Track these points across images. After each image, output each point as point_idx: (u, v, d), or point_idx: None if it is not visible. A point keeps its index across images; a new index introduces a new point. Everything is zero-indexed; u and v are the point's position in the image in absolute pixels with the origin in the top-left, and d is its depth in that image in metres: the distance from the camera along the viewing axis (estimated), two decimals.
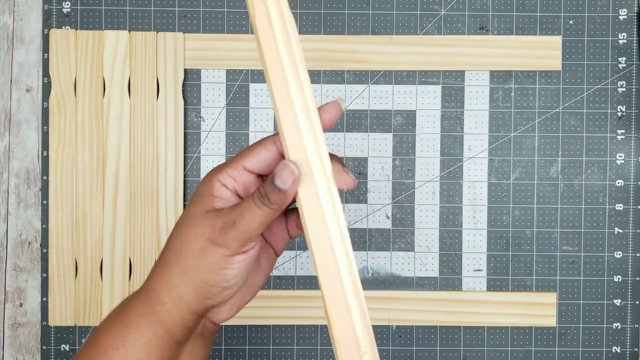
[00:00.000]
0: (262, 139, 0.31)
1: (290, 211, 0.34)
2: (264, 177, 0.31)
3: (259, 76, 0.53)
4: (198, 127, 0.53)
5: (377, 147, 0.53)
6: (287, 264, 0.53)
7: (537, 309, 0.52)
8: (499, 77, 0.53)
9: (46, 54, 0.52)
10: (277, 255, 0.35)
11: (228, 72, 0.53)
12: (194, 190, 0.32)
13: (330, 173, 0.30)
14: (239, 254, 0.29)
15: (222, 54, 0.52)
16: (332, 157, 0.31)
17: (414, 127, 0.53)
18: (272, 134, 0.32)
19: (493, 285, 0.53)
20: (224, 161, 0.32)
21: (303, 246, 0.53)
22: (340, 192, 0.32)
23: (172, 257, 0.30)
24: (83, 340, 0.52)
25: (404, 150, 0.53)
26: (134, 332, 0.30)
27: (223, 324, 0.52)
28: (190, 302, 0.30)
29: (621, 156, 0.53)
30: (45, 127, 0.52)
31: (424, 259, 0.53)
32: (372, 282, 0.53)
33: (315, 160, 0.30)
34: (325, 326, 0.52)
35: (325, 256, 0.30)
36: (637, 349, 0.52)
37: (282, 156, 0.31)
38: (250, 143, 0.52)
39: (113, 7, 0.52)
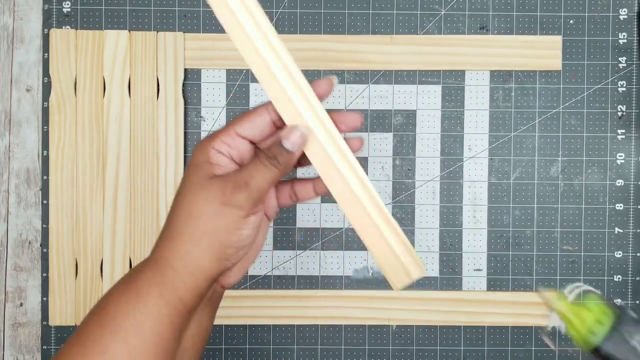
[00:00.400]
0: (255, 107, 0.32)
1: (281, 182, 0.35)
2: (257, 145, 0.32)
3: None
4: (198, 126, 0.53)
5: (377, 147, 0.53)
6: (287, 264, 0.53)
7: (538, 309, 0.52)
8: (499, 77, 0.53)
9: (46, 54, 0.52)
10: (269, 221, 0.36)
11: (228, 71, 0.53)
12: (190, 160, 0.31)
13: (332, 127, 0.32)
14: (251, 214, 0.30)
15: (222, 54, 0.52)
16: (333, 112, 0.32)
17: (414, 126, 0.53)
18: (266, 102, 0.32)
19: (493, 285, 0.53)
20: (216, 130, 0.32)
21: (303, 246, 0.53)
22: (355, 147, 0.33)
23: (182, 224, 0.30)
24: None
25: (404, 150, 0.53)
26: (145, 300, 0.29)
27: (222, 323, 0.52)
28: (206, 267, 0.30)
29: (621, 156, 0.53)
30: (45, 127, 0.52)
31: (424, 259, 0.53)
32: (372, 281, 0.53)
33: (313, 121, 0.31)
34: (325, 326, 0.52)
35: (352, 205, 0.32)
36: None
37: (274, 124, 0.32)
38: None
39: (113, 7, 0.52)
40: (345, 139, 0.32)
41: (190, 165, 0.31)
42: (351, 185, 0.32)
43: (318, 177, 0.33)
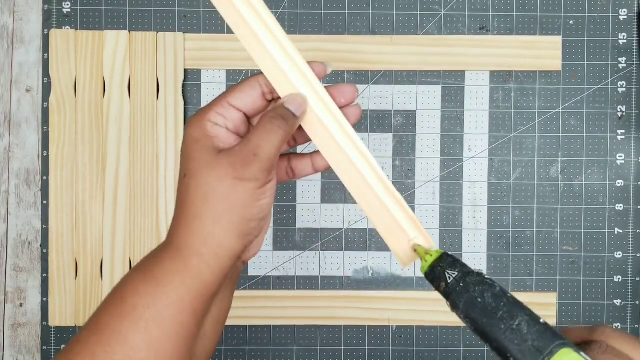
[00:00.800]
0: (245, 79, 0.32)
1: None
2: (250, 119, 0.32)
3: None
4: None
5: (377, 147, 0.53)
6: (287, 264, 0.53)
7: (537, 309, 0.51)
8: (499, 77, 0.53)
9: (46, 54, 0.52)
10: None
11: (228, 72, 0.52)
12: (185, 136, 0.30)
13: (328, 99, 0.31)
14: (267, 182, 0.30)
15: (222, 54, 0.52)
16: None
17: (414, 127, 0.53)
18: (256, 74, 0.32)
19: None
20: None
21: (303, 247, 0.53)
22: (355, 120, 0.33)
23: (198, 207, 0.29)
24: None
25: (404, 150, 0.53)
26: (166, 289, 0.29)
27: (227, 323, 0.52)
28: (231, 245, 0.29)
29: (621, 156, 0.53)
30: (45, 127, 0.52)
31: None
32: (372, 282, 0.53)
33: (309, 92, 0.31)
34: (325, 326, 0.52)
35: (350, 174, 0.32)
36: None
37: (265, 97, 0.32)
38: None
39: (113, 7, 0.52)
40: (342, 109, 0.32)
41: (189, 142, 0.30)
42: (351, 157, 0.32)
43: (316, 152, 0.33)
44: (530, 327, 0.28)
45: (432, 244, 0.32)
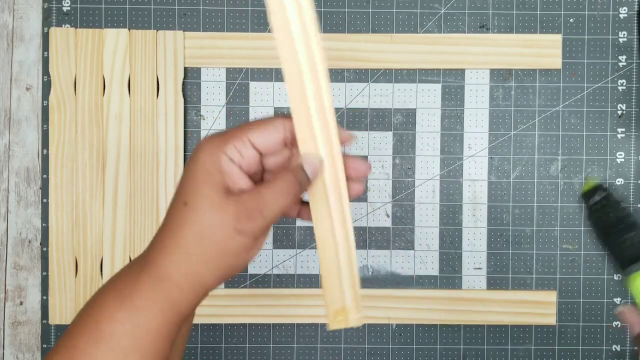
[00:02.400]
0: (270, 118, 0.31)
1: None
2: (263, 158, 0.31)
3: (258, 74, 0.53)
4: (198, 125, 0.53)
5: (377, 146, 0.53)
6: (287, 262, 0.53)
7: (537, 308, 0.52)
8: (499, 76, 0.53)
9: (46, 53, 0.52)
10: None
11: (228, 70, 0.52)
12: (195, 160, 0.29)
13: (340, 169, 0.31)
14: (262, 236, 0.30)
15: (222, 52, 0.52)
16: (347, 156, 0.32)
17: (414, 125, 0.53)
18: (281, 115, 0.32)
19: (493, 284, 0.53)
20: (220, 132, 0.31)
21: (303, 245, 0.53)
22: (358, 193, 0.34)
23: (191, 244, 0.29)
24: None
25: (404, 148, 0.53)
26: (145, 316, 0.29)
27: (222, 322, 0.52)
28: (211, 284, 0.30)
29: (621, 155, 0.53)
30: (45, 126, 0.52)
31: (424, 257, 0.53)
32: (372, 280, 0.53)
33: (326, 158, 0.31)
34: (325, 325, 0.52)
35: (327, 249, 0.33)
36: (636, 347, 0.52)
37: (285, 143, 0.31)
38: None
39: (113, 5, 0.52)
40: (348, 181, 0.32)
41: (200, 171, 0.29)
42: (336, 234, 0.32)
43: (306, 204, 0.33)
44: (633, 245, 0.38)
45: (359, 322, 0.33)
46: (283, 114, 0.32)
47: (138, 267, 0.30)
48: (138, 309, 0.29)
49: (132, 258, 0.51)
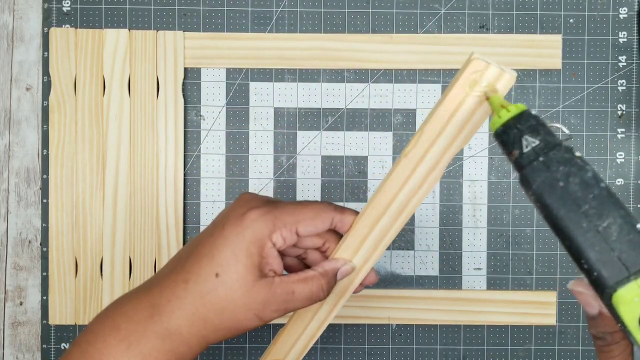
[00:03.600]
0: (320, 208, 0.32)
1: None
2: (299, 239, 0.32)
3: (258, 75, 0.53)
4: (198, 125, 0.53)
5: (377, 146, 0.53)
6: None
7: (537, 308, 0.52)
8: None
9: (46, 53, 0.52)
10: None
11: (228, 70, 0.53)
12: (240, 231, 0.30)
13: (354, 285, 0.34)
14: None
15: (222, 53, 0.52)
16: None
17: (414, 125, 0.53)
18: (328, 204, 0.33)
19: (493, 284, 0.53)
20: (272, 202, 0.32)
21: None
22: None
23: (211, 314, 0.30)
24: None
25: None
26: None
27: None
28: (213, 342, 0.31)
29: (621, 155, 0.53)
30: (45, 126, 0.52)
31: (424, 258, 0.53)
32: None
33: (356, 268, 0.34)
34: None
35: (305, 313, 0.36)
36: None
37: (330, 230, 0.33)
38: (251, 142, 0.52)
39: (113, 6, 0.52)
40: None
41: (240, 247, 0.29)
42: (318, 313, 0.36)
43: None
44: (621, 234, 0.21)
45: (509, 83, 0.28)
46: (332, 204, 0.33)
47: (146, 311, 0.30)
48: (146, 356, 0.29)
49: (132, 258, 0.51)
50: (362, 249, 0.33)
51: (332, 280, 0.32)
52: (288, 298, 0.30)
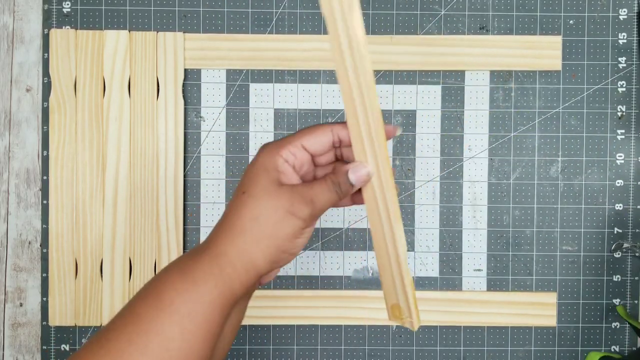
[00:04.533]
0: (318, 125, 0.35)
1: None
2: (314, 157, 0.36)
3: (258, 76, 0.53)
4: (198, 126, 0.53)
5: None
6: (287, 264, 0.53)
7: (537, 309, 0.52)
8: (499, 77, 0.53)
9: (46, 54, 0.52)
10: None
11: (228, 71, 0.53)
12: (255, 160, 0.34)
13: (387, 180, 0.35)
14: (309, 226, 0.34)
15: (222, 54, 0.52)
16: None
17: (414, 127, 0.53)
18: (329, 123, 0.36)
19: (493, 285, 0.53)
20: (276, 139, 0.36)
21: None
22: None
23: (247, 224, 0.33)
24: (83, 340, 0.52)
25: (404, 150, 0.53)
26: (202, 289, 0.32)
27: None
28: (260, 266, 0.33)
29: (621, 156, 0.53)
30: (45, 127, 0.52)
31: (424, 259, 0.53)
32: (372, 281, 0.53)
33: (373, 167, 0.35)
34: (325, 326, 0.52)
35: (382, 254, 0.36)
36: (635, 348, 0.52)
37: (333, 145, 0.35)
38: (251, 143, 0.52)
39: (113, 7, 0.52)
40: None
41: (259, 168, 0.34)
42: (385, 237, 0.36)
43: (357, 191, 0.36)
44: None
45: (416, 322, 0.36)
46: (330, 122, 0.35)
47: (200, 248, 0.34)
48: (196, 281, 0.32)
49: (132, 259, 0.51)
50: (365, 146, 0.34)
51: (344, 177, 0.34)
52: (311, 193, 0.33)
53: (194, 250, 0.34)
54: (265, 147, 0.35)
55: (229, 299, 0.33)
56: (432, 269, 0.53)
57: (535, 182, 0.53)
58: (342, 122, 0.35)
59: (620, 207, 0.53)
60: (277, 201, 0.33)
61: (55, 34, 0.51)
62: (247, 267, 0.33)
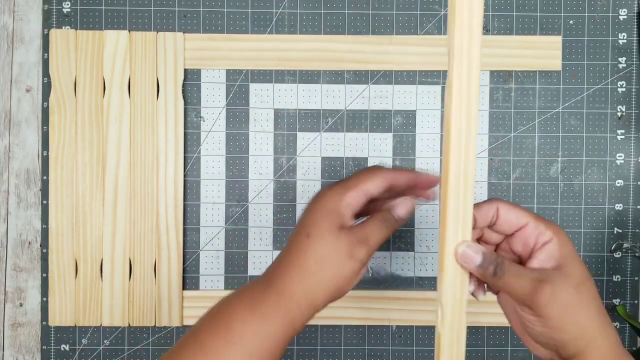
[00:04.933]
0: (376, 170, 0.37)
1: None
2: (369, 201, 0.37)
3: (258, 76, 0.53)
4: (198, 127, 0.53)
5: (377, 147, 0.53)
6: None
7: None
8: (499, 77, 0.53)
9: (46, 54, 0.52)
10: None
11: (228, 72, 0.53)
12: (318, 202, 0.36)
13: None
14: (365, 266, 0.36)
15: (222, 54, 0.52)
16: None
17: (414, 127, 0.53)
18: (386, 168, 0.38)
19: None
20: (339, 182, 0.38)
21: None
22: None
23: (313, 267, 0.35)
24: (84, 341, 0.52)
25: (404, 150, 0.53)
26: (269, 325, 0.33)
27: None
28: (319, 306, 0.35)
29: (621, 156, 0.53)
30: (45, 127, 0.52)
31: (423, 259, 0.53)
32: (372, 281, 0.53)
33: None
34: (325, 326, 0.52)
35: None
36: (635, 348, 0.52)
37: (387, 188, 0.37)
38: (251, 143, 0.52)
39: (113, 7, 0.52)
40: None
41: (323, 211, 0.36)
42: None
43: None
44: None
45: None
46: (383, 165, 0.39)
47: (264, 284, 0.35)
48: (265, 316, 0.34)
49: (132, 260, 0.51)
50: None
51: (388, 215, 0.37)
52: (364, 235, 0.35)
53: (257, 284, 0.35)
54: (327, 191, 0.36)
55: (291, 335, 0.35)
56: (431, 269, 0.53)
57: (535, 182, 0.53)
58: (397, 169, 0.38)
59: (620, 207, 0.53)
60: (338, 245, 0.35)
61: (55, 34, 0.51)
62: (309, 307, 0.35)
